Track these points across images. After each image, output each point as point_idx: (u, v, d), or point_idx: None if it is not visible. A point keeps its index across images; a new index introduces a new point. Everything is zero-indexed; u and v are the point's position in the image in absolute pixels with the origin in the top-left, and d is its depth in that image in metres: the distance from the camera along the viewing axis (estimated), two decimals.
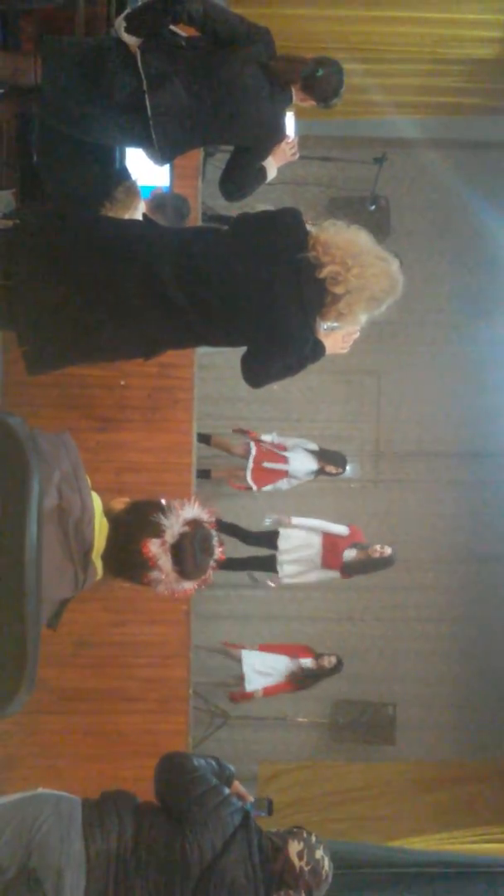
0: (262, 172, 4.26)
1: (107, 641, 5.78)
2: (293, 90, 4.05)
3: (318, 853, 3.10)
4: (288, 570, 7.54)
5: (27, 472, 2.29)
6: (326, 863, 3.11)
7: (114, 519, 2.63)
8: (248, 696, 7.54)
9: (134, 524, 2.60)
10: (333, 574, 7.52)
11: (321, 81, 4.05)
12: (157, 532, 2.56)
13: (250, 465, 7.76)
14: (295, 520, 7.62)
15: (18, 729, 5.55)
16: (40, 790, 3.07)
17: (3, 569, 2.27)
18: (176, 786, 3.14)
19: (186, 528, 2.60)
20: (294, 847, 3.09)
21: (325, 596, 8.83)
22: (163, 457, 5.77)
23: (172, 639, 5.89)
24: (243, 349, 3.56)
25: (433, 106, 7.80)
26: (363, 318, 3.49)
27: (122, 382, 5.68)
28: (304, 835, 3.15)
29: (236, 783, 3.39)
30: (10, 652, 2.30)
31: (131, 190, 4.45)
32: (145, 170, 4.70)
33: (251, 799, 3.44)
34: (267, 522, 7.74)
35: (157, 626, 5.85)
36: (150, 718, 5.83)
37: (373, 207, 8.50)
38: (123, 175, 4.56)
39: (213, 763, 3.32)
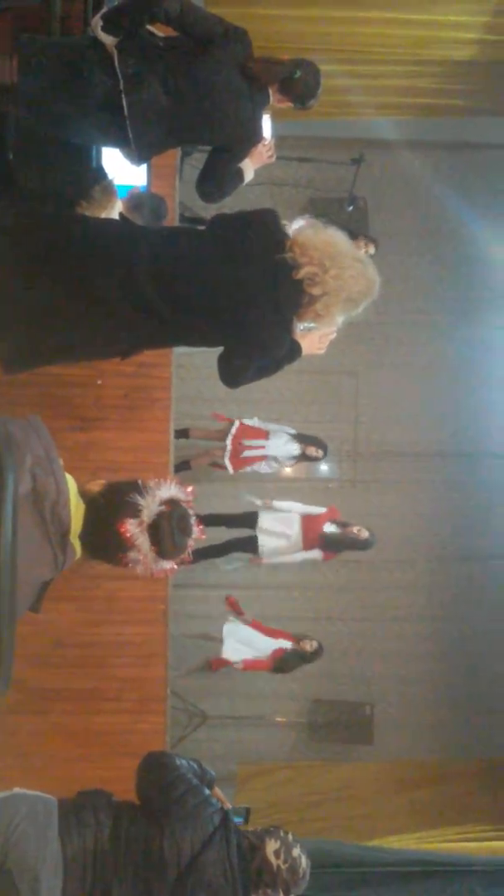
0: (240, 174, 4.26)
1: (84, 642, 5.76)
2: (271, 91, 4.06)
3: (295, 851, 3.12)
4: (268, 549, 7.59)
5: (2, 475, 2.28)
6: (303, 861, 3.13)
7: (91, 500, 2.62)
8: (226, 663, 7.53)
9: (111, 505, 2.59)
10: (316, 554, 7.56)
11: (299, 83, 4.05)
12: (134, 512, 2.55)
13: (229, 445, 7.77)
14: (276, 503, 7.67)
15: None
16: (16, 790, 3.07)
17: None
18: (157, 785, 3.15)
19: (163, 508, 2.59)
20: (271, 846, 3.11)
21: (305, 595, 8.84)
22: (140, 456, 5.76)
23: (150, 639, 5.88)
24: (221, 349, 3.56)
25: (411, 107, 7.82)
26: (340, 319, 3.50)
27: (99, 382, 5.66)
28: (281, 834, 3.16)
29: (216, 789, 3.39)
30: None
31: (108, 189, 4.44)
32: (122, 169, 4.68)
33: (229, 806, 3.45)
34: (249, 500, 7.79)
35: (134, 626, 5.83)
36: (127, 718, 5.82)
37: (351, 208, 8.52)
38: (100, 174, 4.55)
39: (195, 765, 3.33)
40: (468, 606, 9.03)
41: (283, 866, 3.07)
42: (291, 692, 8.17)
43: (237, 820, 3.53)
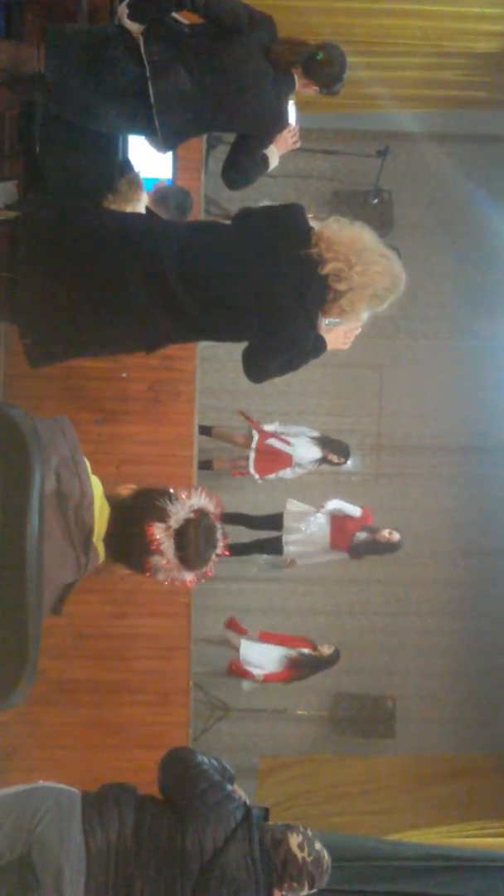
0: (265, 160, 4.27)
1: (107, 633, 5.79)
2: (295, 75, 4.05)
3: (318, 845, 3.14)
4: (294, 550, 7.56)
5: (29, 467, 2.29)
6: (326, 854, 3.15)
7: (119, 503, 2.62)
8: (248, 675, 7.52)
9: (139, 508, 2.58)
10: (342, 555, 7.53)
11: (322, 65, 4.04)
12: (162, 517, 2.55)
13: (252, 454, 7.75)
14: (326, 505, 7.60)
15: (19, 720, 5.56)
16: (40, 783, 3.09)
17: (4, 562, 2.27)
18: (180, 780, 3.15)
19: (192, 515, 2.59)
20: (294, 839, 3.12)
21: (327, 589, 8.84)
22: (164, 449, 5.77)
23: (173, 631, 5.90)
24: (246, 343, 3.56)
25: (436, 99, 7.77)
26: (365, 315, 3.49)
27: (124, 375, 5.69)
28: (301, 828, 3.18)
29: (235, 786, 3.40)
30: (11, 644, 2.31)
31: (134, 182, 4.45)
32: (148, 162, 4.69)
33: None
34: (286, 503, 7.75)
35: (157, 619, 5.85)
36: (150, 710, 5.85)
37: (376, 201, 8.48)
38: (126, 167, 4.56)
39: (216, 762, 3.34)
40: (490, 601, 8.99)
41: (308, 859, 3.08)
42: (313, 686, 8.17)
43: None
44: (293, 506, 7.68)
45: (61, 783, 3.13)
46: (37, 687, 2.39)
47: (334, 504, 7.60)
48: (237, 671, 7.52)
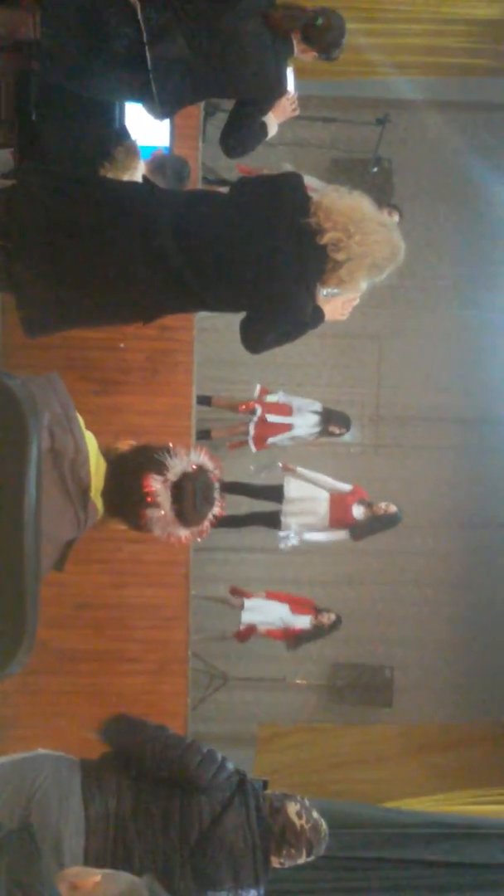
0: (263, 128, 4.23)
1: (107, 603, 5.80)
2: (294, 41, 4.01)
3: (315, 813, 3.18)
4: (293, 522, 7.58)
5: (26, 438, 2.28)
6: (323, 822, 3.18)
7: (117, 457, 2.62)
8: (252, 631, 7.57)
9: (137, 462, 2.58)
10: (343, 534, 7.56)
11: (321, 30, 4.01)
12: (160, 469, 2.54)
13: (252, 431, 7.76)
14: (300, 469, 7.64)
15: (19, 689, 5.59)
16: (40, 750, 3.10)
17: (1, 533, 2.27)
18: (169, 754, 3.15)
19: (190, 470, 2.58)
20: (293, 807, 3.15)
21: (325, 559, 8.85)
22: (162, 420, 5.77)
23: (172, 601, 5.92)
24: (244, 314, 3.54)
25: (437, 66, 7.71)
26: (364, 285, 3.48)
27: (122, 345, 5.67)
28: (298, 797, 3.21)
29: None
30: (9, 613, 2.31)
31: (131, 150, 4.41)
32: (145, 130, 4.65)
33: None
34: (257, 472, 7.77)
35: (156, 589, 5.87)
36: (149, 680, 5.87)
37: (375, 170, 8.42)
38: (123, 134, 4.52)
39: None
40: (488, 572, 9.01)
41: (306, 826, 3.12)
42: (311, 655, 8.20)
43: None
44: (293, 482, 7.67)
45: (60, 751, 3.15)
46: (36, 656, 2.39)
47: (320, 478, 7.63)
48: (244, 635, 7.56)
